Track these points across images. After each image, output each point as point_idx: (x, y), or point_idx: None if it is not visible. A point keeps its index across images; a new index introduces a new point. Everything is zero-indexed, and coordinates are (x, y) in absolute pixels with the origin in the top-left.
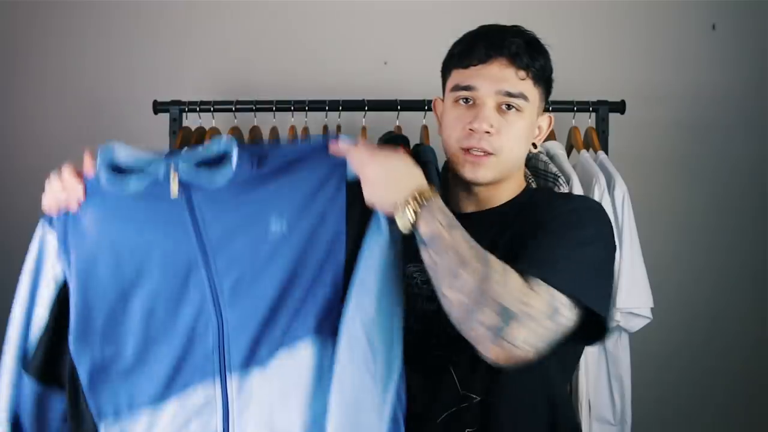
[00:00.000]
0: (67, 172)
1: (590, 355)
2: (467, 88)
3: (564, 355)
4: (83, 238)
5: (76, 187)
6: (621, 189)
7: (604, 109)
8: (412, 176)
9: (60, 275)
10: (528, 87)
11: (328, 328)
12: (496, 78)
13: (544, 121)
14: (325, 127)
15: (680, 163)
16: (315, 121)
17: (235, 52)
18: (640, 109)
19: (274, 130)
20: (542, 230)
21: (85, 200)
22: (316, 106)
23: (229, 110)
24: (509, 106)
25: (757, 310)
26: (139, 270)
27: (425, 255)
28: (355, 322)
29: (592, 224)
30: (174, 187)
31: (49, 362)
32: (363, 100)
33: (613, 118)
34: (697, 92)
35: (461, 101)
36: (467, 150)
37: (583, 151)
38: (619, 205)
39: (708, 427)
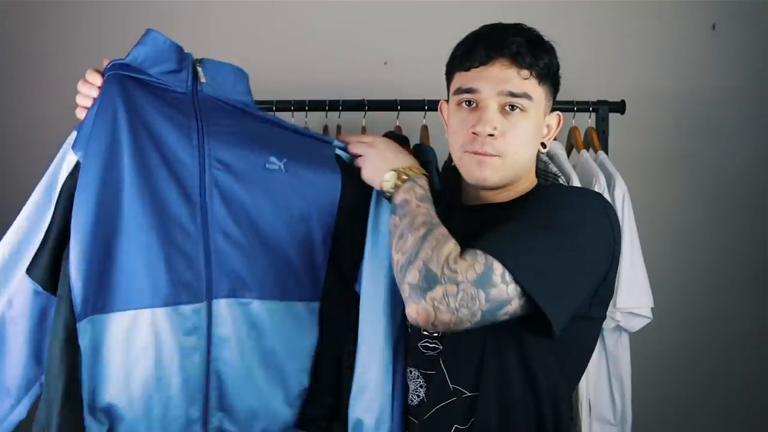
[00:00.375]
0: (88, 71)
1: None
2: (469, 90)
3: (563, 358)
4: (100, 127)
5: (96, 78)
6: (621, 189)
7: (604, 109)
8: (403, 157)
9: (73, 164)
10: (532, 86)
11: (310, 291)
12: (498, 79)
13: (553, 119)
14: (326, 128)
15: (680, 163)
16: (315, 121)
17: (235, 52)
18: (640, 109)
19: None
20: (517, 216)
21: (104, 87)
22: (316, 106)
23: None
24: (513, 107)
25: (757, 310)
26: (138, 164)
27: (392, 221)
28: (366, 282)
29: (572, 214)
30: (200, 72)
31: (55, 267)
32: (363, 100)
33: (613, 118)
34: (697, 92)
35: (464, 104)
36: (472, 152)
37: (583, 151)
38: (619, 205)
39: (708, 427)
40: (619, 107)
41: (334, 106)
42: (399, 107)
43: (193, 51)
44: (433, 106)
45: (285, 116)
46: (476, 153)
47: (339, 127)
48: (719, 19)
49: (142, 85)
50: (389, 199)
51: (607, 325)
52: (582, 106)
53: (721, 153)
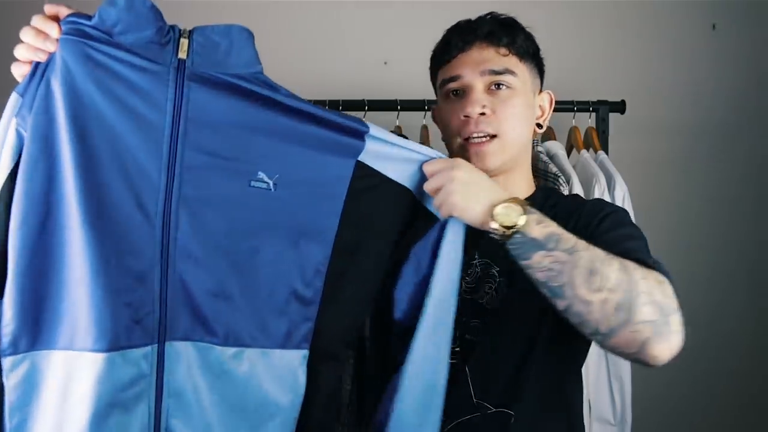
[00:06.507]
0: (39, 18)
1: (590, 355)
2: (453, 78)
3: (578, 370)
4: (47, 99)
5: (52, 28)
6: (621, 189)
7: (604, 109)
8: (495, 186)
9: (16, 138)
10: (513, 62)
11: (296, 335)
12: (477, 60)
13: (545, 100)
14: None
15: (680, 163)
16: None
17: None
18: (640, 109)
19: None
20: (604, 225)
21: (61, 49)
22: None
23: None
24: (498, 85)
25: (756, 310)
26: (83, 168)
27: (539, 258)
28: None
29: (630, 223)
30: (184, 46)
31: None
32: (363, 100)
33: (613, 118)
34: (697, 92)
35: (452, 94)
36: (468, 140)
37: (583, 151)
38: (619, 204)
39: (707, 427)
40: (619, 107)
41: (334, 106)
42: (399, 107)
43: None
44: (433, 106)
45: None
46: (470, 140)
47: None
48: (719, 19)
49: (103, 64)
50: (504, 237)
51: None
52: (582, 106)
53: (721, 153)
